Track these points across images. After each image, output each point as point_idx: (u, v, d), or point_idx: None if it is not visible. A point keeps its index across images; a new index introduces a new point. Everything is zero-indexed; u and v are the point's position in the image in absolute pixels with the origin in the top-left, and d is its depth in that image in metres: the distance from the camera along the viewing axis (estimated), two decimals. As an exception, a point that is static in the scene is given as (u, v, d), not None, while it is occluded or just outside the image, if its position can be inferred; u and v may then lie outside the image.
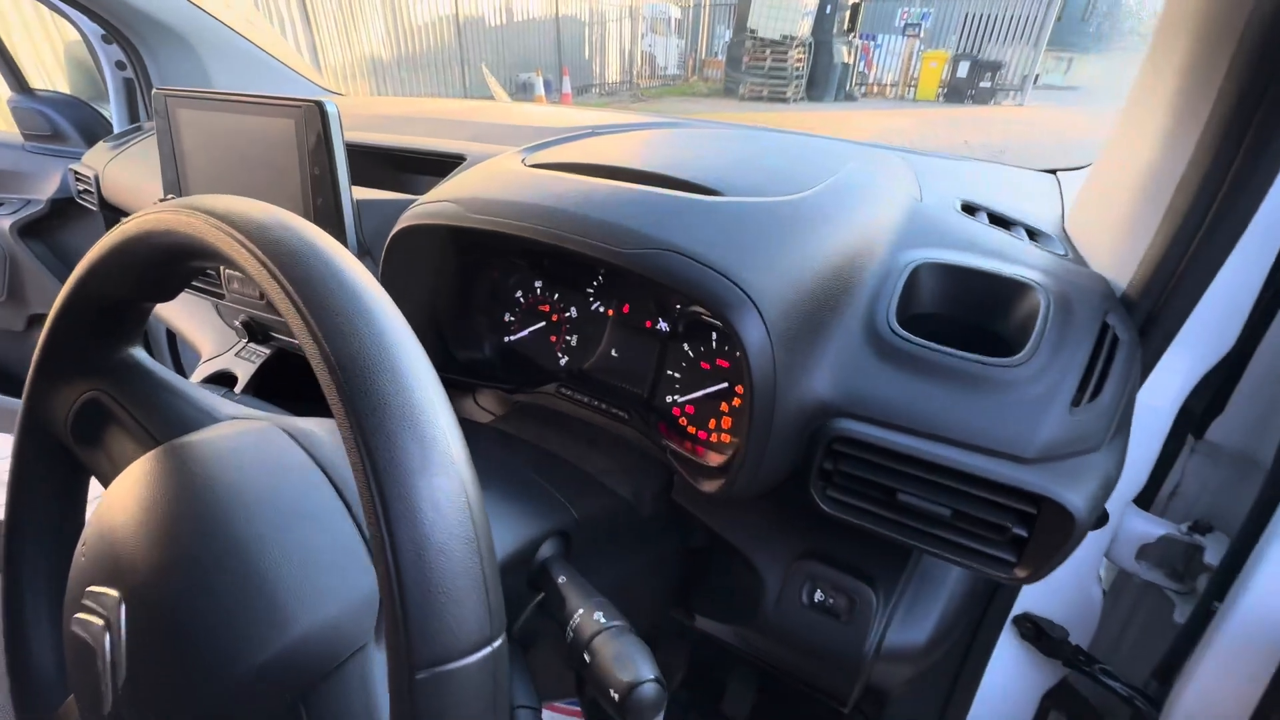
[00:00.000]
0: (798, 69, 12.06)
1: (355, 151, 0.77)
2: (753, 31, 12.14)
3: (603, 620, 0.43)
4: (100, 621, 0.33)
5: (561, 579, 0.48)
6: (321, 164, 0.75)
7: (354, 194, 0.79)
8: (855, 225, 0.62)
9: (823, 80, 12.41)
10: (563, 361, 0.77)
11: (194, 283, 1.02)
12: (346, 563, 0.35)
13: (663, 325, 0.69)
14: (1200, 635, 0.59)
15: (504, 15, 10.99)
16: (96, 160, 1.39)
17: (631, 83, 13.98)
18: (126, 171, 1.31)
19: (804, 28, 11.92)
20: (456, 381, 0.78)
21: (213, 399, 0.46)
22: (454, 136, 1.03)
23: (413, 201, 0.70)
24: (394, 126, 1.13)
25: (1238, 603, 0.56)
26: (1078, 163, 0.91)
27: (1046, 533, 0.47)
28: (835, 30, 12.24)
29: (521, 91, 10.89)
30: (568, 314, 0.77)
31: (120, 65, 1.55)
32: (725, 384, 0.65)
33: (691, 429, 0.67)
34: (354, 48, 8.72)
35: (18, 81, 1.65)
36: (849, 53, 12.67)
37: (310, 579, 0.33)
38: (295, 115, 0.75)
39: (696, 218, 0.56)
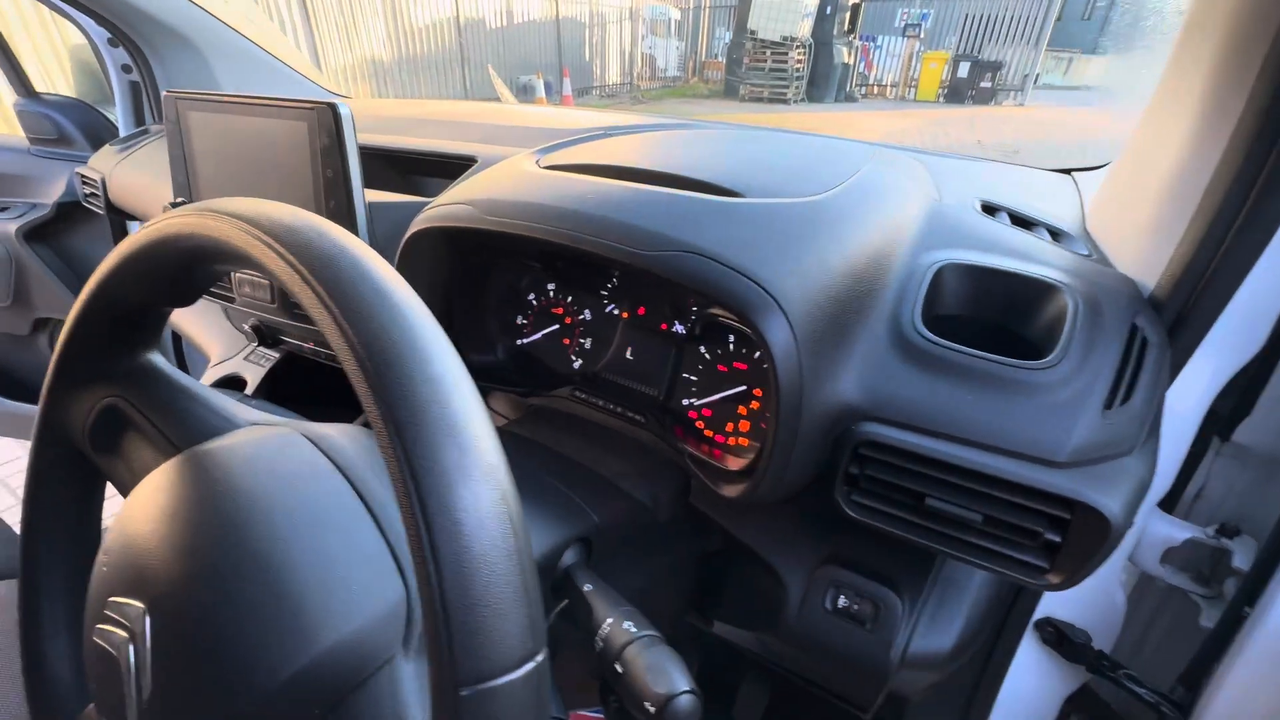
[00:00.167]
0: (798, 70, 12.06)
1: (363, 154, 0.77)
2: (753, 33, 12.14)
3: (633, 630, 0.42)
4: (124, 633, 0.32)
5: (587, 587, 0.47)
6: (335, 166, 0.75)
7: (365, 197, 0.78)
8: (877, 226, 0.61)
9: (823, 81, 12.41)
10: (576, 364, 0.77)
11: (205, 287, 1.01)
12: (373, 572, 0.34)
13: (678, 328, 0.69)
14: (1230, 641, 0.58)
15: (504, 17, 11.00)
16: (103, 164, 1.38)
17: (632, 85, 14.00)
18: (134, 175, 1.30)
19: (804, 29, 11.92)
20: None
21: (232, 404, 0.46)
22: (462, 139, 1.03)
23: (424, 204, 0.70)
24: (400, 128, 1.13)
25: (1271, 608, 0.55)
26: (1093, 162, 0.90)
27: (1080, 538, 0.46)
28: (835, 31, 12.24)
29: (522, 94, 10.90)
30: (581, 316, 0.76)
31: (126, 69, 1.55)
32: (743, 387, 0.64)
33: (709, 432, 0.67)
34: (355, 49, 8.73)
35: (23, 85, 1.64)
36: (849, 54, 12.68)
37: (337, 589, 0.33)
38: (308, 117, 0.75)
39: (718, 219, 0.55)
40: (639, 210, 0.57)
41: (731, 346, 0.65)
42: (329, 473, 0.38)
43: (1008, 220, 0.69)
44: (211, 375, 1.17)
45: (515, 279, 0.79)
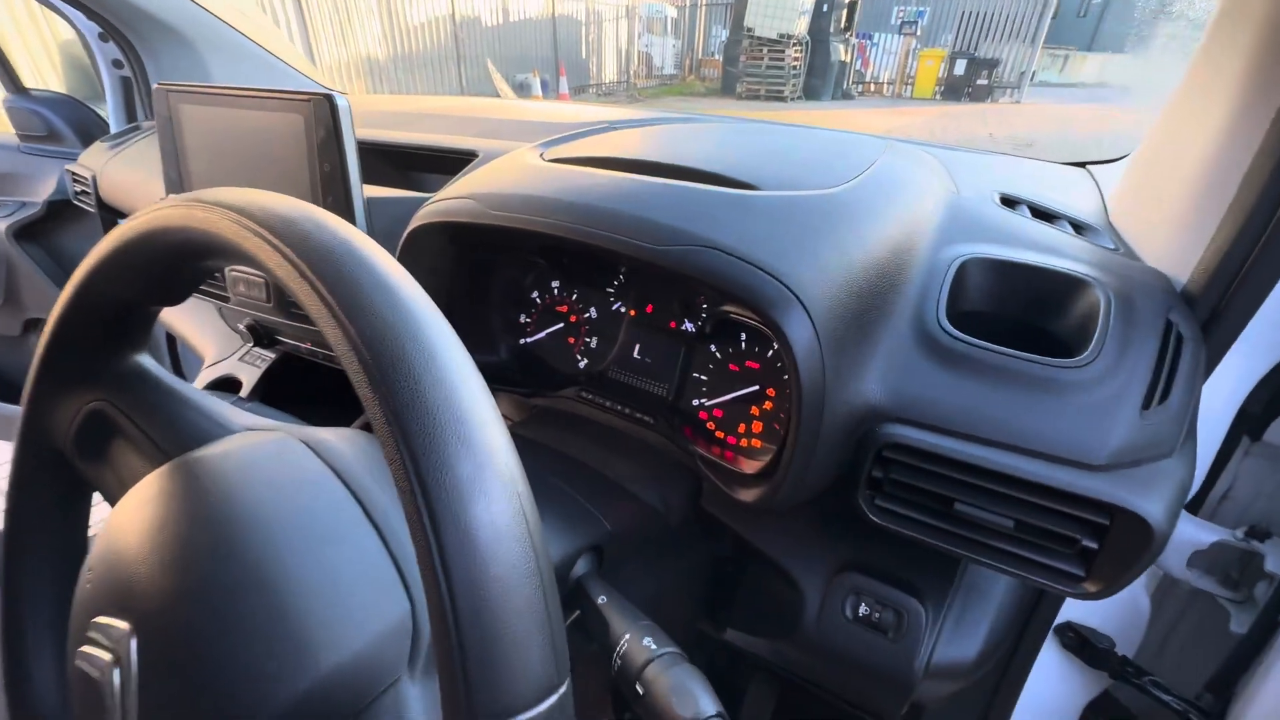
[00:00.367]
0: (795, 68, 12.04)
1: (361, 149, 0.74)
2: (749, 30, 12.11)
3: (654, 647, 0.40)
4: (108, 656, 0.30)
5: (601, 599, 0.45)
6: (332, 160, 0.72)
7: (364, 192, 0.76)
8: (897, 218, 0.59)
9: (820, 78, 12.39)
10: (582, 364, 0.75)
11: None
12: (376, 587, 0.32)
13: (688, 325, 0.67)
14: (1265, 647, 0.57)
15: (500, 15, 10.96)
16: (94, 161, 1.35)
17: (628, 82, 13.98)
18: (125, 172, 1.28)
19: (800, 26, 11.89)
20: None
21: (225, 409, 0.43)
22: (462, 133, 1.00)
23: (424, 200, 0.67)
24: (398, 124, 1.10)
25: None
26: (1106, 156, 0.88)
27: (1121, 545, 0.44)
28: (832, 28, 12.21)
29: (519, 91, 10.87)
30: (587, 314, 0.74)
31: (117, 64, 1.52)
32: (756, 386, 0.62)
33: (720, 433, 0.65)
34: (349, 46, 8.68)
35: (12, 81, 1.62)
36: (846, 51, 12.66)
37: (338, 607, 0.31)
38: (304, 110, 0.72)
39: (734, 212, 0.53)
40: (650, 203, 0.55)
41: (743, 345, 0.63)
42: (328, 480, 0.36)
43: (1028, 213, 0.67)
44: (205, 376, 1.14)
45: (519, 276, 0.77)
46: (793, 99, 12.21)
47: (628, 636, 0.41)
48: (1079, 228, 0.65)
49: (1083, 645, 0.69)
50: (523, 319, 0.78)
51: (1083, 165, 0.88)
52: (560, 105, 1.36)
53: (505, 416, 0.81)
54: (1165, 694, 0.64)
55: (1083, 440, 0.45)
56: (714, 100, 13.12)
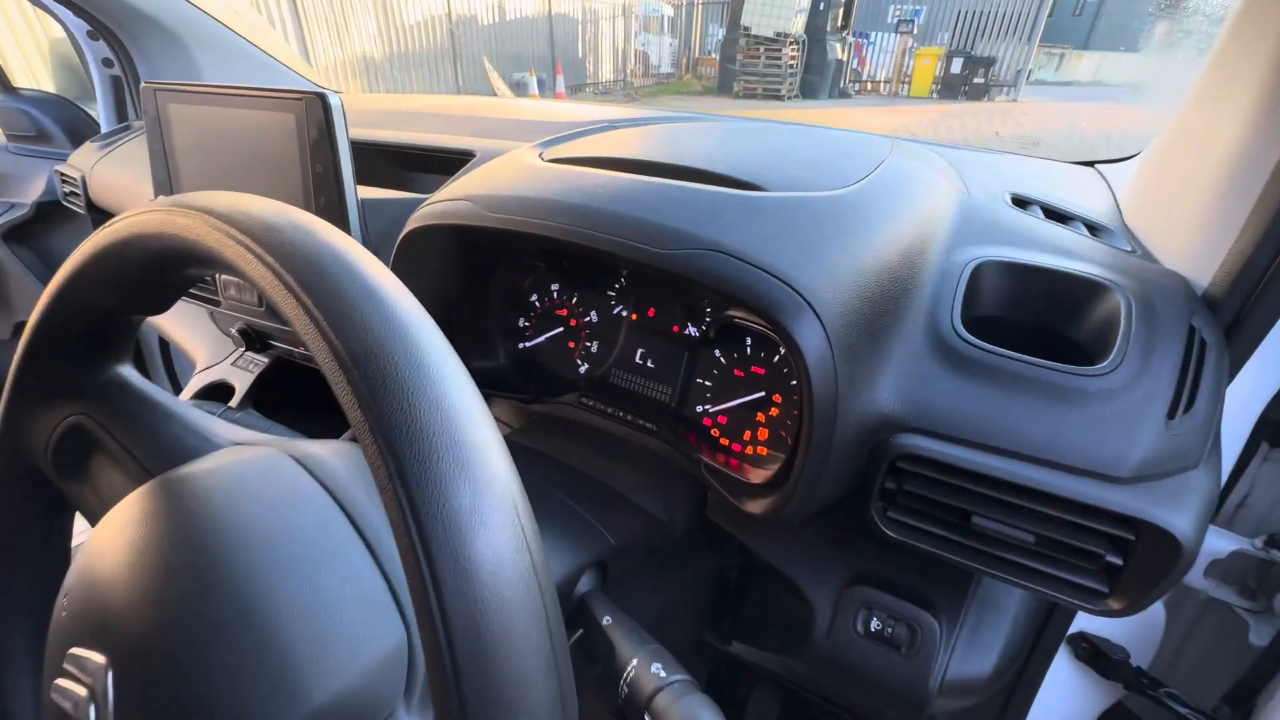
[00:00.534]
0: (792, 66, 12.02)
1: (355, 149, 0.73)
2: (746, 29, 12.08)
3: (663, 675, 0.38)
4: (84, 691, 0.28)
5: (606, 619, 0.43)
6: (324, 160, 0.70)
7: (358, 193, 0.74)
8: (908, 220, 0.57)
9: (817, 77, 12.38)
10: (582, 369, 0.73)
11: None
12: (370, 614, 0.30)
13: (691, 330, 0.65)
14: None
15: (497, 13, 10.93)
16: (83, 161, 1.33)
17: (625, 81, 13.95)
18: (115, 172, 1.26)
19: (797, 25, 11.88)
20: None
21: (210, 422, 0.41)
22: (459, 133, 0.99)
23: (420, 201, 0.66)
24: (394, 123, 1.08)
25: None
26: (1116, 154, 0.87)
27: (1147, 561, 0.42)
28: (828, 27, 12.20)
29: (516, 90, 10.84)
30: (587, 318, 0.72)
31: (107, 62, 1.50)
32: (762, 393, 0.61)
33: (725, 441, 0.63)
34: (345, 45, 8.64)
35: (0, 80, 1.59)
36: (843, 50, 12.65)
37: (330, 637, 0.29)
38: (295, 109, 0.70)
39: (740, 214, 0.51)
40: (654, 205, 0.53)
41: (749, 350, 0.61)
42: (318, 498, 0.34)
43: (1041, 214, 0.65)
44: (197, 382, 1.12)
45: (517, 279, 0.75)
46: (790, 97, 12.19)
47: (635, 662, 0.39)
48: (1094, 229, 0.63)
49: (1096, 656, 0.67)
50: (521, 323, 0.76)
51: (1091, 164, 0.86)
52: (558, 104, 1.34)
53: (504, 423, 0.79)
54: (1181, 706, 0.63)
55: (1106, 451, 0.44)
56: (711, 99, 13.10)
